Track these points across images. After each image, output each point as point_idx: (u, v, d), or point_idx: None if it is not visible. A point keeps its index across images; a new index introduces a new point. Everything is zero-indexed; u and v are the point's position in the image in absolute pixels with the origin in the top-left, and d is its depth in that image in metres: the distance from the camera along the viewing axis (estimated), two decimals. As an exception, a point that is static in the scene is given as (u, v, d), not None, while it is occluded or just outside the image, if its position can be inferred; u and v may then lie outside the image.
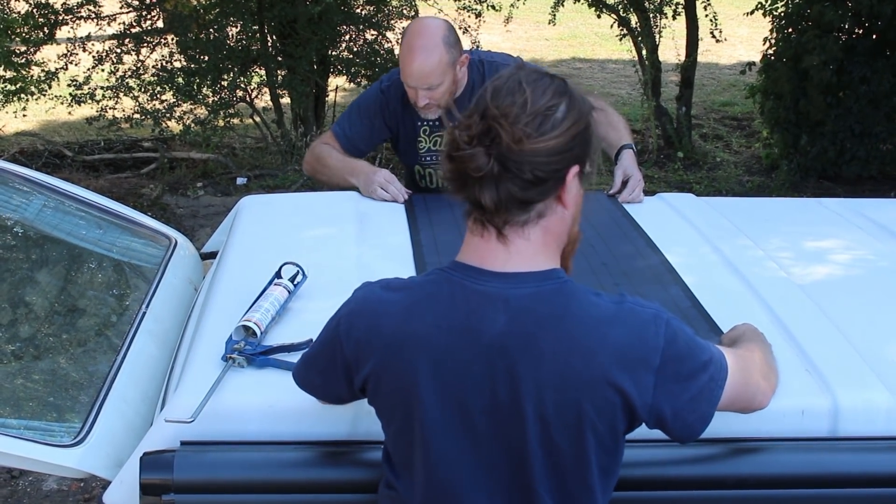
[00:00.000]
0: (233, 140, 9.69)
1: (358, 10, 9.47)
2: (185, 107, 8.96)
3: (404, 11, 9.66)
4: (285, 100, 9.59)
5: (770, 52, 9.33)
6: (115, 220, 3.23)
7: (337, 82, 9.89)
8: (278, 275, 2.52)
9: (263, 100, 9.70)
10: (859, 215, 3.23)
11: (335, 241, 2.90)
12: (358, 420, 2.10)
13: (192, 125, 8.82)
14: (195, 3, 8.60)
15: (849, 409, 2.16)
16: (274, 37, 9.23)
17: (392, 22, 9.57)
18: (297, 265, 2.54)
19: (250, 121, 9.55)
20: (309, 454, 2.08)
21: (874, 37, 9.54)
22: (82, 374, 2.53)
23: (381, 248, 2.88)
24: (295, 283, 2.51)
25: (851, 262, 2.90)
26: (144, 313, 2.76)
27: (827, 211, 3.30)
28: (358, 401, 2.05)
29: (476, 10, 9.59)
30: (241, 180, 8.61)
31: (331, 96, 9.89)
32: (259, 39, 9.15)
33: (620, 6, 10.03)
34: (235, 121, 9.17)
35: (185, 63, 8.96)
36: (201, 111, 9.04)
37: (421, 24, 3.40)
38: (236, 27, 9.13)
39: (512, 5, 10.12)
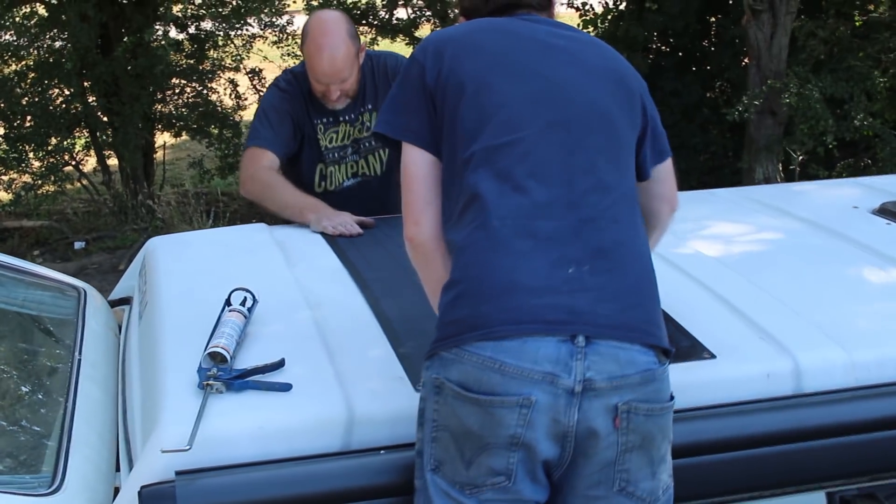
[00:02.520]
0: (64, 205, 9.39)
1: (182, 64, 9.35)
2: (13, 175, 8.64)
3: (227, 63, 9.60)
4: (112, 160, 9.37)
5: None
6: (17, 276, 3.12)
7: (164, 139, 9.74)
8: (228, 302, 2.48)
9: (91, 163, 9.45)
10: (752, 200, 3.41)
11: (266, 268, 2.87)
12: (350, 431, 2.10)
13: (22, 193, 8.52)
14: (13, 68, 8.33)
15: (809, 368, 2.29)
16: (98, 98, 9.00)
17: (217, 73, 9.48)
18: (247, 290, 2.51)
19: (79, 184, 9.29)
20: (308, 469, 2.05)
21: (680, 54, 10.02)
22: (38, 426, 2.42)
23: (314, 271, 2.87)
24: (248, 308, 2.48)
25: (763, 241, 3.06)
26: (80, 360, 2.67)
27: (722, 200, 3.47)
28: (349, 411, 2.07)
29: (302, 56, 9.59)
30: (78, 244, 8.36)
31: (159, 154, 9.72)
32: (82, 101, 8.91)
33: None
34: (68, 186, 8.90)
35: (6, 130, 8.65)
36: (27, 178, 8.75)
37: (323, 21, 3.44)
38: (57, 90, 8.88)
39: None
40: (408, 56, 2.36)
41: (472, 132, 2.04)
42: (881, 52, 8.65)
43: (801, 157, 8.35)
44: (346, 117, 3.59)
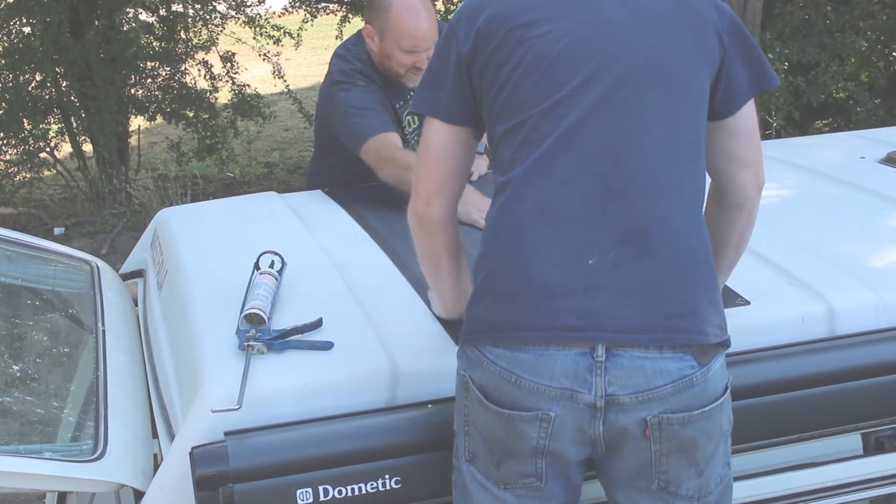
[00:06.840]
0: (41, 191, 9.29)
1: (154, 46, 9.25)
2: (-13, 162, 8.55)
3: (197, 42, 9.48)
4: (87, 146, 9.26)
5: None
6: (29, 252, 3.09)
7: (138, 122, 9.64)
8: (257, 265, 2.46)
9: (66, 149, 9.35)
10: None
11: (286, 234, 2.86)
12: (395, 387, 2.10)
13: (2, 180, 8.43)
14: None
15: (843, 310, 2.32)
16: (71, 82, 8.87)
17: (190, 55, 9.36)
18: (276, 253, 2.50)
19: (55, 171, 9.18)
20: (357, 424, 2.04)
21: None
22: (74, 394, 2.41)
23: (335, 235, 2.86)
24: (277, 270, 2.47)
25: (778, 193, 3.06)
26: (104, 331, 2.65)
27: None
28: (393, 367, 2.07)
29: (274, 36, 9.48)
30: (58, 230, 8.28)
31: (133, 138, 9.62)
32: (55, 85, 8.80)
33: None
34: (46, 172, 8.80)
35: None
36: (2, 166, 8.64)
37: None
38: (29, 75, 8.77)
39: (300, 30, 9.87)
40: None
41: (511, 105, 1.87)
42: (860, 19, 8.68)
43: (775, 124, 8.38)
44: None
